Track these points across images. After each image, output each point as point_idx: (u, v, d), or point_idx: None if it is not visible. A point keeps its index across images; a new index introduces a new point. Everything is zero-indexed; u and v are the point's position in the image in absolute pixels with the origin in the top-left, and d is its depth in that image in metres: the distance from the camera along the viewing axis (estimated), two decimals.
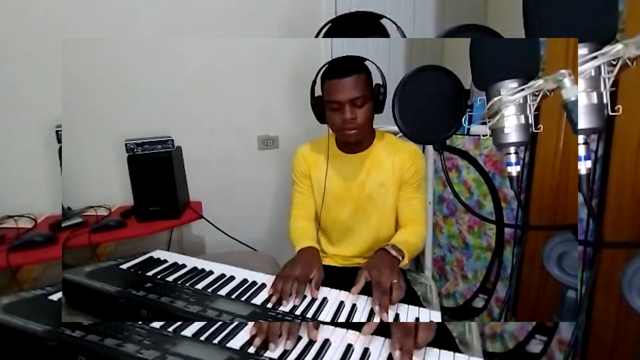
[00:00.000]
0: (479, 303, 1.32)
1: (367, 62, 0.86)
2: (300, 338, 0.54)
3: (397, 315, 0.63)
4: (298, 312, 0.62)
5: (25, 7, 1.17)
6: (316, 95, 0.88)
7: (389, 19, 0.91)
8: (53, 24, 1.19)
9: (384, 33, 0.92)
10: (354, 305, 0.65)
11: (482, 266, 1.31)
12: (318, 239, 1.01)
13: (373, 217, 0.94)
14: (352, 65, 0.81)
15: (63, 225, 1.11)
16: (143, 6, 1.29)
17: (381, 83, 0.86)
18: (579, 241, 0.70)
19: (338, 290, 0.70)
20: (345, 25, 0.92)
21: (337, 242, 0.99)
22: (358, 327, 0.57)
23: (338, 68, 0.81)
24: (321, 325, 0.58)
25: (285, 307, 0.63)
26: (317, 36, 0.91)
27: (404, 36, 0.89)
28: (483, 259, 1.31)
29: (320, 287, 0.71)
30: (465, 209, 0.70)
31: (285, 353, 0.51)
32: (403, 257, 0.79)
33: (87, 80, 1.28)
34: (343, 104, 0.81)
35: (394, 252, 0.78)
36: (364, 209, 0.93)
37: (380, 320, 0.60)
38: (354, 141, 0.88)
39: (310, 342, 0.54)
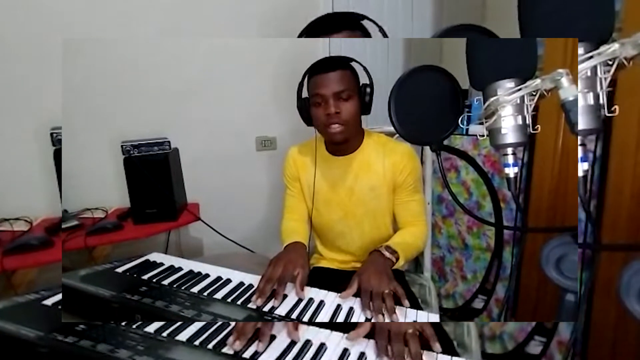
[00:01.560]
0: (478, 304, 1.31)
1: (358, 65, 0.84)
2: (274, 338, 0.54)
3: None
4: (294, 315, 0.62)
5: (21, 10, 1.16)
6: (303, 97, 0.86)
7: (370, 20, 0.87)
8: (49, 26, 1.19)
9: (366, 33, 0.89)
10: (350, 309, 0.64)
11: (481, 267, 1.31)
12: (314, 242, 1.00)
13: (365, 222, 0.90)
14: (337, 62, 0.80)
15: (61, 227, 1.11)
16: (141, 8, 1.29)
17: (368, 83, 0.83)
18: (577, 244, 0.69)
19: (335, 294, 0.69)
20: (325, 26, 0.87)
21: (331, 245, 0.98)
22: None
23: (323, 64, 0.79)
24: (318, 329, 0.57)
25: (278, 309, 0.62)
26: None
27: (386, 37, 0.86)
28: (482, 260, 1.30)
29: (318, 289, 0.70)
30: (464, 210, 0.69)
31: (280, 358, 0.51)
32: (397, 259, 0.77)
33: (85, 81, 1.27)
34: (327, 98, 0.78)
35: (387, 254, 0.76)
36: (354, 214, 0.90)
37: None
38: (340, 139, 0.83)
39: (305, 346, 0.53)
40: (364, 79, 0.86)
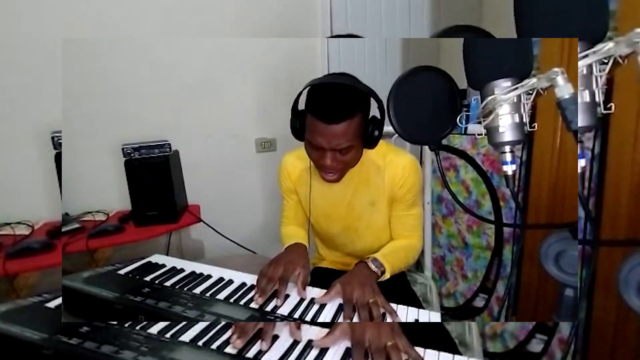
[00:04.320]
0: (479, 302, 1.32)
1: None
2: (276, 338, 0.54)
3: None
4: (297, 314, 0.62)
5: (19, 14, 1.17)
6: (300, 109, 0.75)
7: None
8: (47, 31, 1.19)
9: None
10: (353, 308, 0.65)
11: (482, 265, 1.31)
12: (316, 245, 1.00)
13: (367, 235, 0.88)
14: (346, 108, 0.68)
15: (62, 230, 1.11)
16: (140, 10, 1.29)
17: (379, 118, 0.74)
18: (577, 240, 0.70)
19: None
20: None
21: (333, 249, 0.98)
22: None
23: (328, 108, 0.67)
24: (320, 329, 0.57)
25: (280, 309, 0.63)
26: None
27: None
28: (483, 259, 1.31)
29: (320, 289, 0.70)
30: (463, 209, 0.70)
31: (283, 358, 0.51)
32: (384, 272, 0.75)
33: (85, 84, 1.28)
34: (325, 150, 0.71)
35: (373, 267, 0.73)
36: (355, 229, 0.88)
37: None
38: (334, 182, 0.78)
39: (308, 346, 0.53)
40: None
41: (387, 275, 0.76)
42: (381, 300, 0.64)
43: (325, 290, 0.69)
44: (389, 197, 0.83)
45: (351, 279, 0.69)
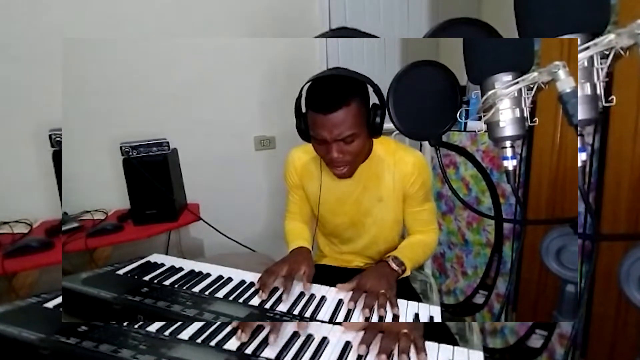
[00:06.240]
0: (479, 299, 1.32)
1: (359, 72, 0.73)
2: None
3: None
4: (296, 311, 0.62)
5: (18, 12, 1.16)
6: (303, 111, 0.76)
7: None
8: (47, 27, 1.18)
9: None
10: None
11: (481, 262, 1.31)
12: (319, 241, 1.00)
13: (372, 230, 0.88)
14: (341, 95, 0.68)
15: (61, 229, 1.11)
16: (139, 9, 1.29)
17: (378, 104, 0.73)
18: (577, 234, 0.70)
19: (336, 290, 0.70)
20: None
21: (335, 246, 0.98)
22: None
23: (324, 98, 0.68)
24: (320, 323, 0.57)
25: (279, 307, 0.63)
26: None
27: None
28: (483, 255, 1.31)
29: (320, 285, 0.70)
30: (464, 205, 0.69)
31: (282, 352, 0.51)
32: (404, 271, 0.77)
33: (84, 83, 1.27)
34: (329, 143, 0.71)
35: (394, 265, 0.75)
36: (363, 224, 0.88)
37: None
38: (346, 176, 0.79)
39: (308, 340, 0.53)
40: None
41: (407, 273, 0.78)
42: (390, 294, 0.65)
43: (330, 287, 0.70)
44: (400, 194, 0.84)
45: (370, 272, 0.72)
